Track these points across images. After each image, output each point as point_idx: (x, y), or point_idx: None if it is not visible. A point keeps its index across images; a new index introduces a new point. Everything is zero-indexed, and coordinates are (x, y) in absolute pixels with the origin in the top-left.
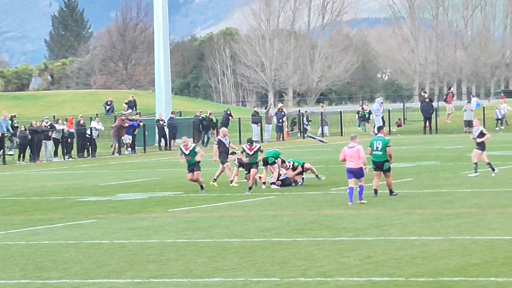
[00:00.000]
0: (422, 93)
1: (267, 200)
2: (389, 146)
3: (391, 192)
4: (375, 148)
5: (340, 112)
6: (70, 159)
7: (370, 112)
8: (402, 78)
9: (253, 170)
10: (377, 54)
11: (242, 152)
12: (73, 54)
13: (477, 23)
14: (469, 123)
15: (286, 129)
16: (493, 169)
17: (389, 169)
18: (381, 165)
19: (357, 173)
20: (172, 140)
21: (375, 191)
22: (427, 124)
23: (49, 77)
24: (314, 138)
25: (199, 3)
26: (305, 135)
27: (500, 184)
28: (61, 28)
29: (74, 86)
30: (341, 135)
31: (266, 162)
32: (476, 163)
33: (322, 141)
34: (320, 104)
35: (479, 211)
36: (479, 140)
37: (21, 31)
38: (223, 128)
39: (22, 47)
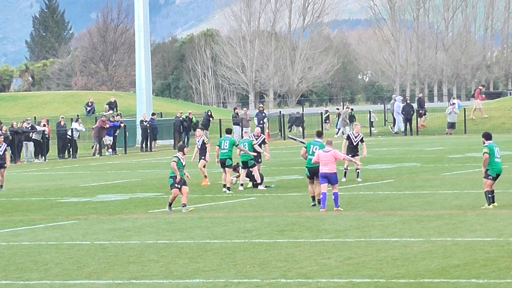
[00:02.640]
0: (394, 97)
1: (248, 202)
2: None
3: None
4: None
5: (321, 113)
6: (46, 160)
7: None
8: (382, 79)
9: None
10: (358, 56)
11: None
12: (53, 55)
13: (458, 24)
14: (452, 125)
15: (267, 131)
16: None
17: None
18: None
19: (330, 179)
20: (153, 142)
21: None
22: (408, 125)
23: (30, 78)
24: (295, 140)
25: (180, 4)
26: (287, 137)
27: (480, 186)
28: (41, 29)
29: (55, 87)
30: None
31: (246, 165)
32: None
33: (303, 142)
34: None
35: (460, 213)
36: None
37: (1, 32)
38: (257, 128)
39: (3, 48)
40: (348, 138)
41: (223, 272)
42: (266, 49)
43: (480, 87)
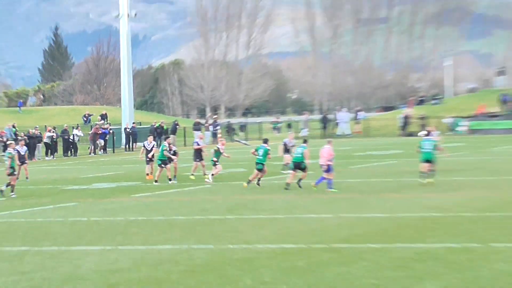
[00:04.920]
0: (338, 108)
1: (206, 188)
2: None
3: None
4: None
5: (260, 122)
6: (54, 158)
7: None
8: (306, 96)
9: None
10: (288, 79)
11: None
12: (59, 79)
13: (362, 55)
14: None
15: (219, 135)
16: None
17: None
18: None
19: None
20: (134, 144)
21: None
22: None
23: (41, 96)
24: (240, 142)
25: (155, 40)
26: (233, 140)
27: (376, 175)
28: (50, 59)
29: (60, 103)
30: (260, 139)
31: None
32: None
33: (246, 144)
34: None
35: (364, 196)
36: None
37: (20, 61)
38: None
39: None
40: (285, 144)
41: (187, 240)
42: (219, 74)
43: (412, 98)
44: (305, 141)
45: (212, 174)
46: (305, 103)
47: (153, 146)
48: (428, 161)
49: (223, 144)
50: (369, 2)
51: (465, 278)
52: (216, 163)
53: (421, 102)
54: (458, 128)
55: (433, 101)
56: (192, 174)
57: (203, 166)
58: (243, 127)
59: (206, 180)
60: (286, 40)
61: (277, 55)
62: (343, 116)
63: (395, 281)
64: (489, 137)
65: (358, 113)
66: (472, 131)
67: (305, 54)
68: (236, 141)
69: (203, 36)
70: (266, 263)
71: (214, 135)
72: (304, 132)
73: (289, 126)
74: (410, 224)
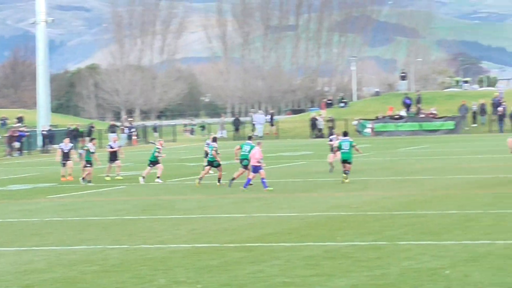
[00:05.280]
0: (253, 111)
1: (120, 189)
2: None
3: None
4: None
5: (174, 124)
6: None
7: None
8: (218, 100)
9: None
10: (201, 83)
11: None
12: None
13: (272, 61)
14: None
15: (134, 137)
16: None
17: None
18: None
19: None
20: (50, 146)
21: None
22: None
23: None
24: (154, 144)
25: (71, 46)
26: (148, 142)
27: (286, 176)
28: None
29: None
30: (174, 141)
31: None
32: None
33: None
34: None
35: (274, 196)
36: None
37: None
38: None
39: None
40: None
41: (101, 240)
42: (134, 78)
43: (325, 100)
44: (214, 140)
45: (158, 177)
46: (218, 106)
47: (70, 148)
48: (346, 161)
49: (160, 144)
50: (278, 10)
51: (374, 275)
52: (152, 165)
53: (328, 105)
54: (365, 130)
55: (340, 104)
56: (108, 175)
57: (118, 167)
58: (156, 129)
59: (156, 180)
60: (199, 46)
61: (190, 60)
62: (258, 118)
63: (306, 279)
64: (393, 139)
65: (266, 116)
66: (377, 133)
67: (217, 59)
68: (151, 143)
69: (119, 41)
70: (180, 262)
71: (129, 137)
72: (221, 134)
73: (203, 128)
74: (320, 223)
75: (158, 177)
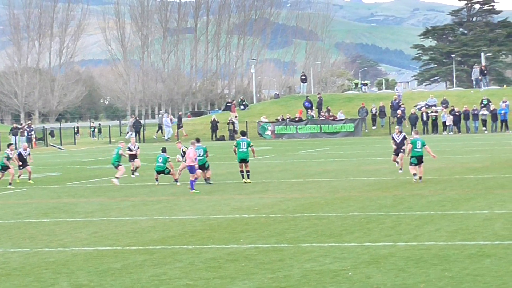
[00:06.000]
0: (162, 113)
1: (20, 192)
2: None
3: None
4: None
5: (74, 127)
6: None
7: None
8: (118, 102)
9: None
10: (100, 85)
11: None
12: None
13: (171, 63)
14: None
15: (34, 140)
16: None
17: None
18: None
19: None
20: None
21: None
22: (137, 135)
23: None
24: (55, 146)
25: None
26: (49, 144)
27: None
28: None
29: None
30: (74, 143)
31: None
32: None
33: (61, 149)
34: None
35: (175, 198)
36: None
37: None
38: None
39: None
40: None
41: (2, 244)
42: (32, 80)
43: (235, 102)
44: (198, 141)
45: (117, 177)
46: (118, 108)
47: None
48: (243, 160)
49: (133, 144)
50: (176, 13)
51: (276, 277)
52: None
53: (228, 107)
54: (266, 133)
55: (241, 107)
56: (18, 176)
57: (30, 172)
58: (52, 132)
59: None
60: (98, 49)
61: (89, 62)
62: (166, 121)
63: (209, 281)
64: (294, 141)
65: (168, 118)
66: (278, 135)
67: (116, 62)
68: (52, 145)
69: (16, 44)
70: (83, 265)
71: (29, 139)
72: (130, 135)
73: (99, 131)
74: (222, 225)
75: (117, 177)
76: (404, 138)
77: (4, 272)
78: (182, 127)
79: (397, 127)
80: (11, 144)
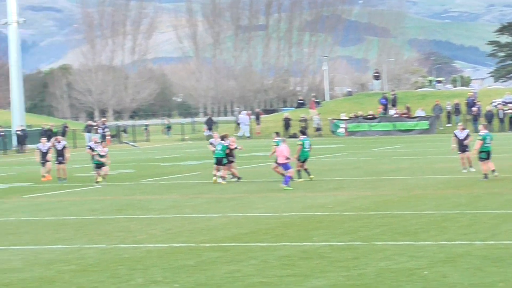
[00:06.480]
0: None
1: (95, 189)
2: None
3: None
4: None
5: (146, 125)
6: None
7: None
8: (190, 100)
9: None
10: (172, 83)
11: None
12: None
13: (243, 60)
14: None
15: (108, 137)
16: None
17: None
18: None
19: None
20: (25, 146)
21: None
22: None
23: None
24: (128, 144)
25: (43, 46)
26: (122, 142)
27: (262, 175)
28: None
29: None
30: (148, 140)
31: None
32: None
33: (134, 146)
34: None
35: (248, 195)
36: None
37: None
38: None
39: None
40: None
41: (78, 240)
42: (106, 78)
43: (313, 99)
44: (223, 138)
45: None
46: (190, 106)
47: (48, 148)
48: (306, 160)
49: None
50: (248, 10)
51: (351, 275)
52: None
53: (301, 105)
54: (339, 130)
55: None
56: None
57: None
58: (125, 130)
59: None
60: (170, 46)
61: (161, 60)
62: (244, 119)
63: (282, 279)
64: (367, 139)
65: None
66: (351, 133)
67: (188, 59)
68: (125, 143)
69: (90, 42)
70: (157, 262)
71: (103, 137)
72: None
73: (168, 128)
74: (295, 223)
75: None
76: (468, 135)
77: (80, 268)
78: (259, 124)
79: (459, 123)
80: (102, 141)
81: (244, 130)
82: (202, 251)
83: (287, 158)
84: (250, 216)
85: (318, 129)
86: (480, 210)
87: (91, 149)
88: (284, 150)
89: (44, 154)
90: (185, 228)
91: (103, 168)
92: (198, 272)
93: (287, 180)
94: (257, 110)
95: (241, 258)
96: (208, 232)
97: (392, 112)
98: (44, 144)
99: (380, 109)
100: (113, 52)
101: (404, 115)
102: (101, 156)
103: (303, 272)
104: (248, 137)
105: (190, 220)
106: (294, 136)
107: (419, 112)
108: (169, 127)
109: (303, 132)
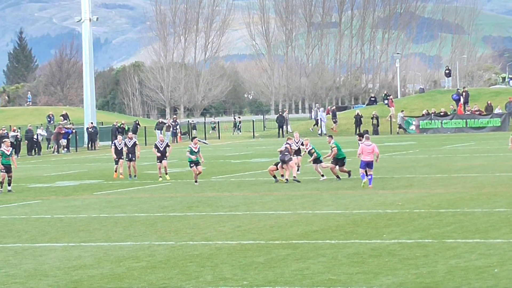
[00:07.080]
0: (317, 106)
1: (165, 186)
2: None
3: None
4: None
5: (218, 122)
6: (18, 157)
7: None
8: (262, 97)
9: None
10: (244, 80)
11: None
12: (24, 81)
13: (315, 58)
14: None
15: (179, 134)
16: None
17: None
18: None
19: (368, 164)
20: (96, 143)
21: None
22: (280, 130)
23: (6, 97)
24: (200, 141)
25: (115, 43)
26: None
27: (329, 173)
28: (15, 61)
29: (25, 104)
30: (218, 138)
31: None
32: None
33: (205, 143)
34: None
35: (318, 193)
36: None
37: None
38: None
39: None
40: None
41: (148, 237)
42: (178, 75)
43: (391, 96)
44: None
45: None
46: (262, 103)
47: (135, 143)
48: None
49: (297, 139)
50: (321, 7)
51: (421, 273)
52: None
53: (373, 102)
54: (410, 127)
55: (385, 101)
56: (160, 176)
57: (165, 166)
58: (195, 126)
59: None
60: (242, 43)
61: (233, 57)
62: (323, 115)
63: (352, 276)
64: (439, 136)
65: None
66: (422, 130)
67: (261, 56)
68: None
69: (162, 39)
70: (226, 259)
71: (174, 134)
72: (290, 130)
73: (235, 125)
74: (365, 220)
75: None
76: None
77: (150, 265)
78: (336, 122)
79: None
80: (194, 137)
81: (323, 127)
82: (271, 248)
83: (371, 157)
84: (320, 214)
85: (400, 126)
86: None
87: (156, 147)
88: (376, 148)
89: (119, 151)
90: (254, 225)
91: (198, 167)
92: (267, 270)
93: (370, 179)
94: (333, 107)
95: (310, 255)
96: (278, 229)
97: (469, 108)
98: (119, 141)
99: (460, 106)
100: (185, 49)
101: (476, 112)
102: (193, 153)
103: (372, 269)
104: (325, 134)
105: (259, 217)
106: (366, 133)
107: (497, 110)
108: (235, 124)
109: (361, 135)
